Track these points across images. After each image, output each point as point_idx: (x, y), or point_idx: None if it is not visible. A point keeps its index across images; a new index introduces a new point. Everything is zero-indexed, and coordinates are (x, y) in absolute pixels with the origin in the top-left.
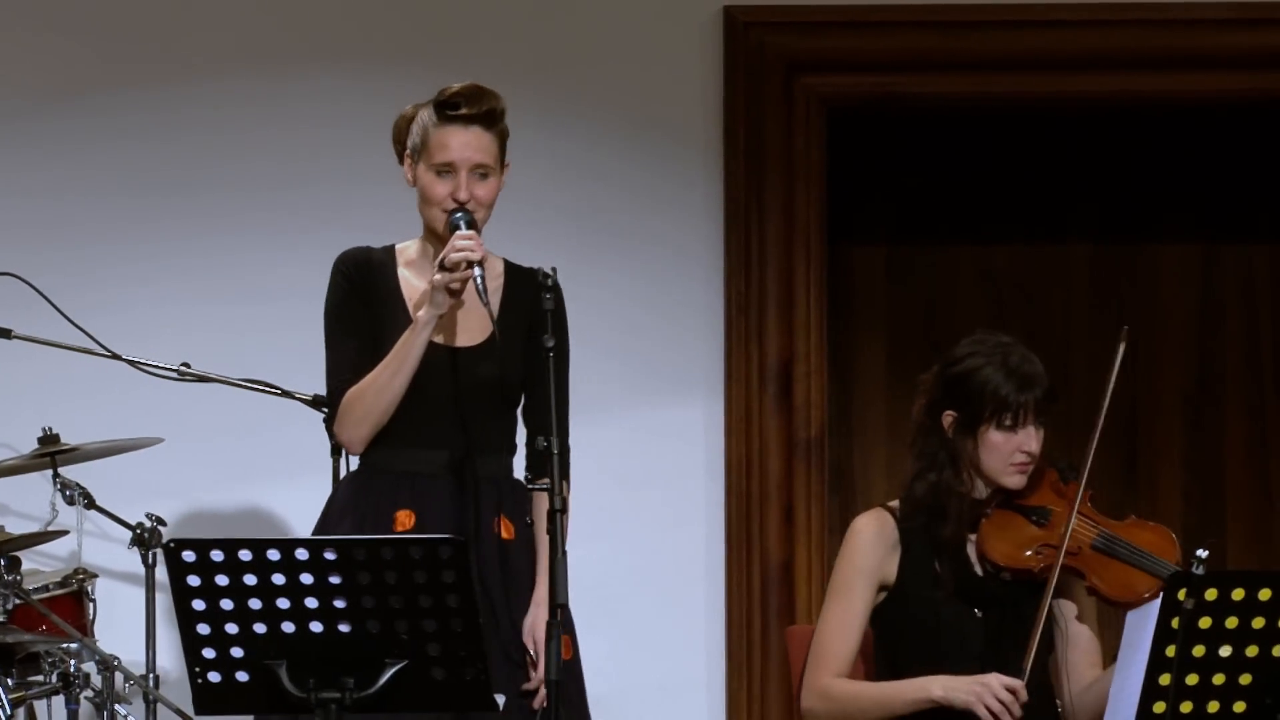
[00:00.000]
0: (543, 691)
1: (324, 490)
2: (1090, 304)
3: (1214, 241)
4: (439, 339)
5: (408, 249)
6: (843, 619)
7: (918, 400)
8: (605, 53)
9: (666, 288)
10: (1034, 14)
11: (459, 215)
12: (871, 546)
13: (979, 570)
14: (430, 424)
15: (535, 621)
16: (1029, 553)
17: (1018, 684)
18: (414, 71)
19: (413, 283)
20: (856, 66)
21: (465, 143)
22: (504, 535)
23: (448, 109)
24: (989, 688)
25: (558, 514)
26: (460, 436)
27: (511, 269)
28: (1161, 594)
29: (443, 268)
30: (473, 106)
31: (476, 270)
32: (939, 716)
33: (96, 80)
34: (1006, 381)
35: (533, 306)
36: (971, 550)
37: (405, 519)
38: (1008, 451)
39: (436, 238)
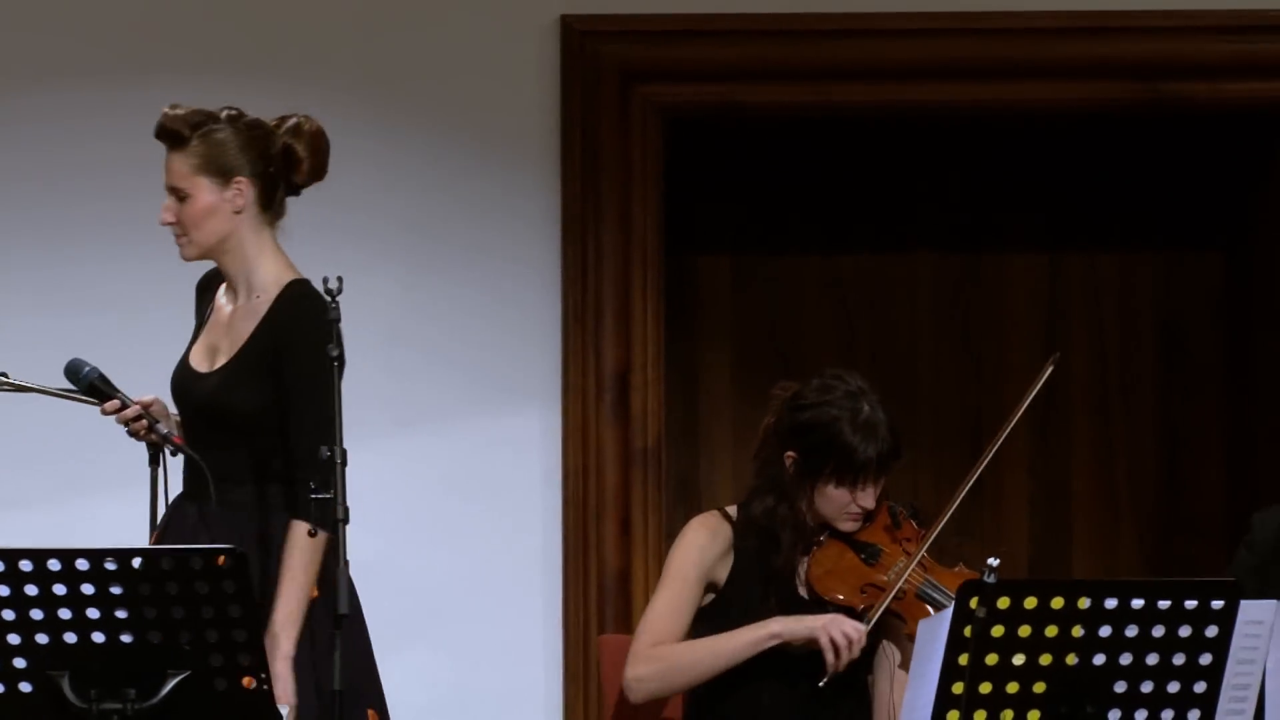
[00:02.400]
0: None
1: (140, 504)
2: (936, 313)
3: (1059, 250)
4: (195, 360)
5: None
6: (672, 603)
7: (767, 416)
8: (442, 63)
9: (503, 297)
10: (872, 23)
11: (86, 371)
12: (709, 544)
13: (804, 595)
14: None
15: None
16: (853, 591)
17: (862, 628)
18: (252, 83)
19: (220, 300)
20: (693, 76)
21: (165, 166)
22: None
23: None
24: (834, 621)
25: (340, 524)
26: (204, 462)
27: (289, 288)
28: (954, 602)
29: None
30: (159, 131)
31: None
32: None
33: None
34: (852, 441)
35: (279, 333)
36: (801, 572)
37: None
38: (843, 505)
39: None
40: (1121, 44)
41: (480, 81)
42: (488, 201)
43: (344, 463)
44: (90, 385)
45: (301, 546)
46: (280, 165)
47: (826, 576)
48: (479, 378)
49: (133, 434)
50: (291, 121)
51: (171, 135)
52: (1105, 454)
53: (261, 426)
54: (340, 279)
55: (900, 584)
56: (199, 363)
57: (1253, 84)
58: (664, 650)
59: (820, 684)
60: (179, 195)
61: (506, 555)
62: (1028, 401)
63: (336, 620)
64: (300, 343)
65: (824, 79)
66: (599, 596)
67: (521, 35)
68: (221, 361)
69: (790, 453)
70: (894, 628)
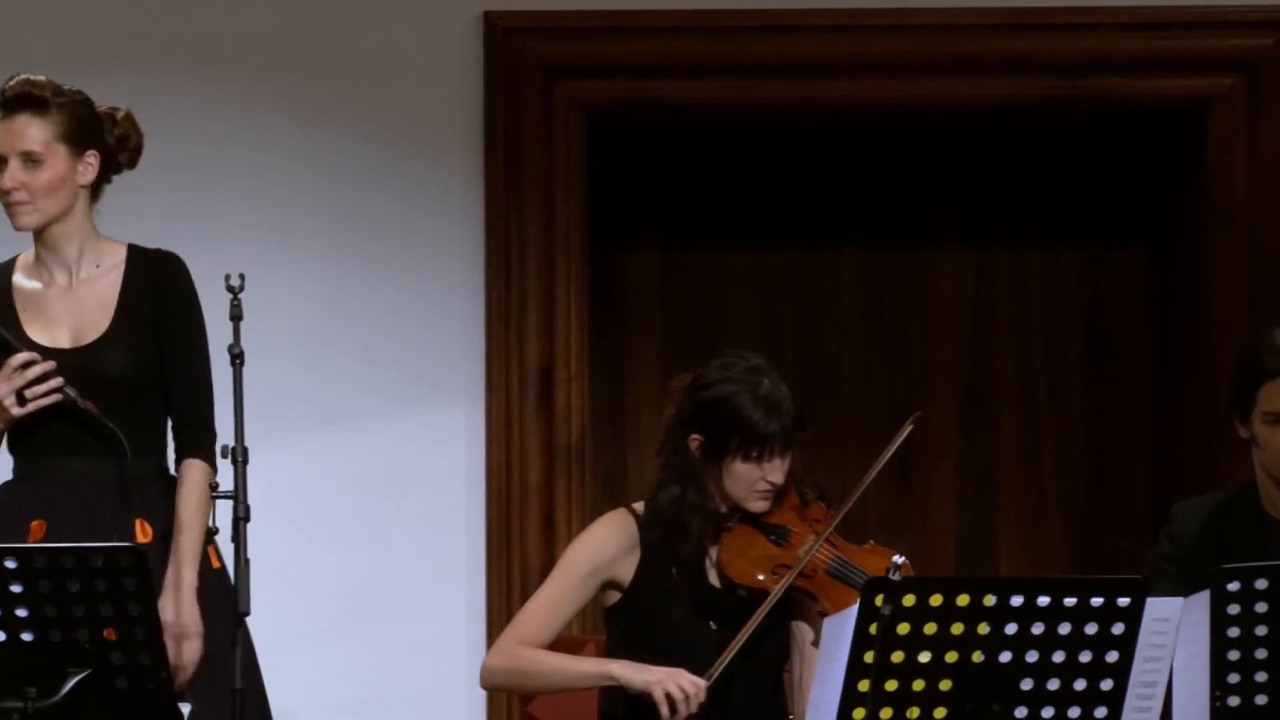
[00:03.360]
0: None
1: None
2: (863, 309)
3: (986, 247)
4: (46, 341)
5: (30, 252)
6: (554, 600)
7: (668, 409)
8: (365, 59)
9: (427, 294)
10: (794, 19)
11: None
12: (607, 542)
13: (716, 583)
14: (66, 428)
15: (165, 607)
16: (765, 573)
17: (701, 682)
18: (175, 80)
19: (24, 285)
20: (616, 72)
21: (13, 132)
22: (140, 538)
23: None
24: (671, 676)
25: (242, 522)
26: (92, 439)
27: (134, 254)
28: (859, 599)
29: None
30: (18, 95)
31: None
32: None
33: None
34: (754, 415)
35: (155, 292)
36: (711, 559)
37: (37, 529)
38: (752, 481)
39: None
40: (1042, 40)
41: (403, 78)
42: (411, 198)
43: (245, 460)
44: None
45: (201, 484)
46: (116, 148)
47: (737, 560)
48: (402, 374)
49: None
50: (122, 110)
51: (35, 101)
52: (1032, 449)
53: (155, 388)
54: (242, 275)
55: (806, 561)
56: (59, 340)
57: (1173, 80)
58: (522, 652)
59: None
60: (31, 160)
61: (430, 552)
62: (884, 461)
63: (237, 619)
64: (182, 300)
65: (747, 75)
66: (522, 593)
67: (444, 31)
68: (96, 335)
69: (695, 436)
70: (805, 606)
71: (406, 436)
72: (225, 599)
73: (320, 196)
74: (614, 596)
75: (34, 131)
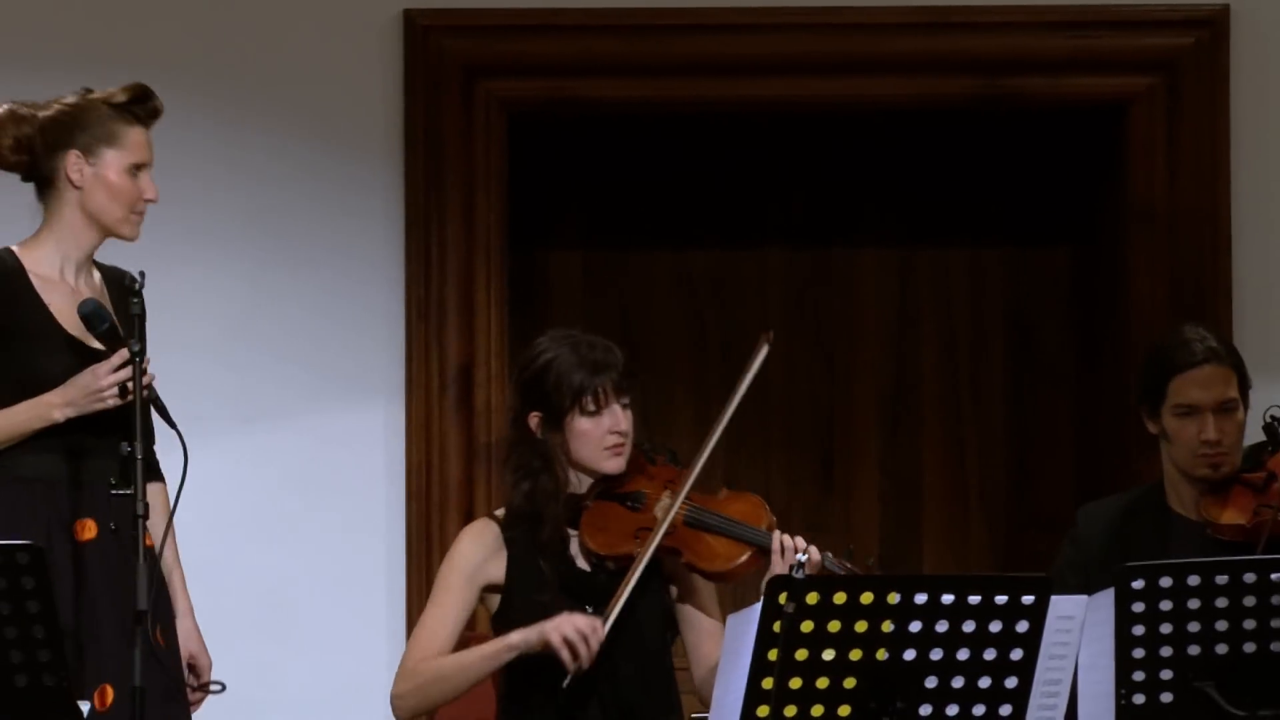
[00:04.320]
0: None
1: None
2: (787, 308)
3: (910, 246)
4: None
5: (35, 255)
6: (438, 616)
7: (505, 417)
8: (285, 57)
9: (347, 293)
10: (715, 18)
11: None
12: (472, 550)
13: (585, 566)
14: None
15: (188, 632)
16: (628, 540)
17: (596, 622)
18: (95, 78)
19: (57, 302)
20: (536, 71)
21: (149, 144)
22: (81, 537)
23: (139, 108)
24: (564, 622)
25: (140, 520)
26: (63, 439)
27: (106, 273)
28: (763, 597)
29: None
30: (155, 107)
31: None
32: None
33: None
34: (580, 367)
35: (118, 311)
36: (575, 546)
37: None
38: (598, 436)
39: (94, 230)
40: (963, 40)
41: (323, 76)
42: (331, 197)
43: (142, 458)
44: (111, 329)
45: (165, 506)
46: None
47: (599, 535)
48: (322, 373)
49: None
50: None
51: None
52: (956, 448)
53: None
54: (143, 273)
55: (669, 520)
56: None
57: (1093, 79)
58: (421, 667)
59: (564, 685)
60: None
61: (350, 550)
62: (750, 376)
63: (138, 616)
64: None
65: (667, 74)
66: None
67: (364, 30)
68: (95, 343)
69: (533, 413)
70: (674, 565)
71: (326, 435)
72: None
73: (240, 195)
74: (495, 600)
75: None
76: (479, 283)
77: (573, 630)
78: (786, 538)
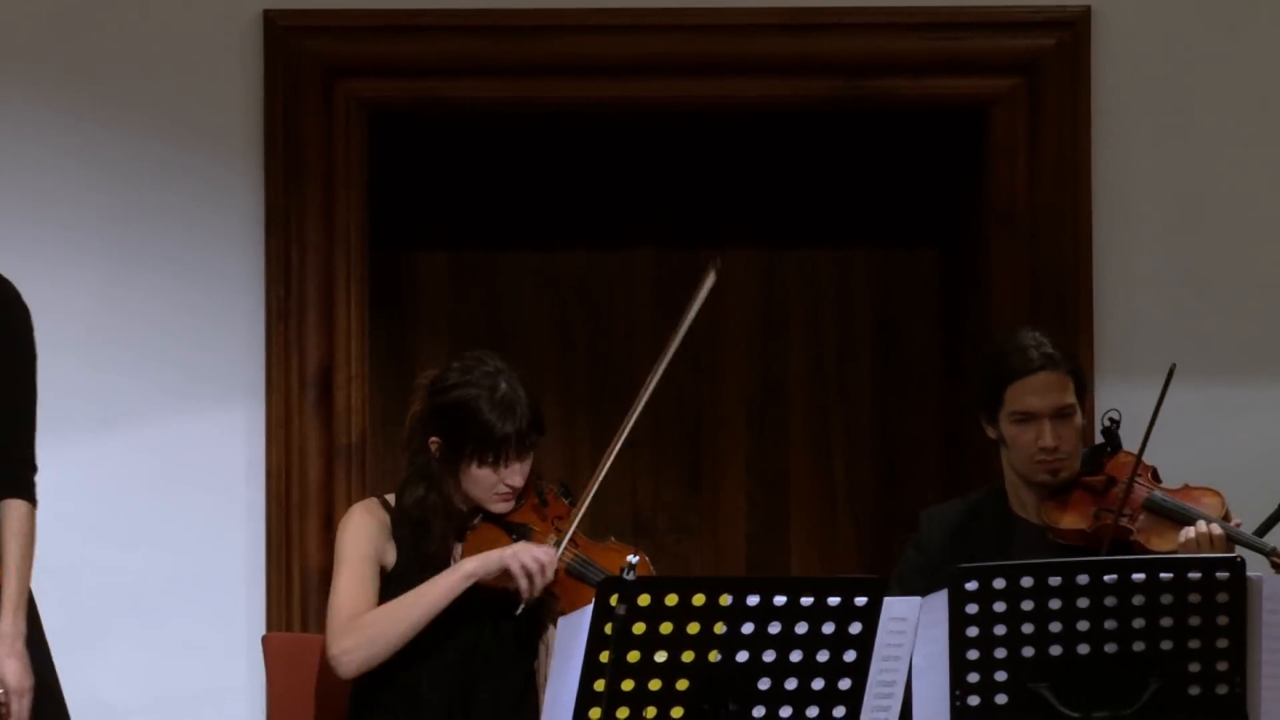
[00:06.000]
0: None
1: None
2: (654, 309)
3: (776, 247)
4: None
5: None
6: (356, 578)
7: (413, 406)
8: (145, 57)
9: (207, 293)
10: (576, 19)
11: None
12: (373, 525)
13: None
14: None
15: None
16: None
17: (551, 550)
18: None
19: None
20: (397, 71)
21: None
22: None
23: None
24: (524, 548)
25: None
26: None
27: None
28: (594, 599)
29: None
30: None
31: None
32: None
33: None
34: (490, 420)
35: None
36: (456, 558)
37: None
38: (490, 484)
39: None
40: (824, 41)
41: (184, 76)
42: (192, 196)
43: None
44: None
45: (22, 524)
46: None
47: None
48: (182, 374)
49: None
50: None
51: None
52: (823, 449)
53: None
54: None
55: (562, 551)
56: None
57: (955, 81)
58: (363, 620)
59: (516, 612)
60: None
61: (210, 552)
62: (693, 312)
63: None
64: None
65: (529, 75)
66: (302, 593)
67: (224, 30)
68: None
69: (434, 438)
70: (549, 605)
71: (186, 436)
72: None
73: (99, 194)
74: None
75: None
76: (339, 284)
77: (531, 559)
78: None
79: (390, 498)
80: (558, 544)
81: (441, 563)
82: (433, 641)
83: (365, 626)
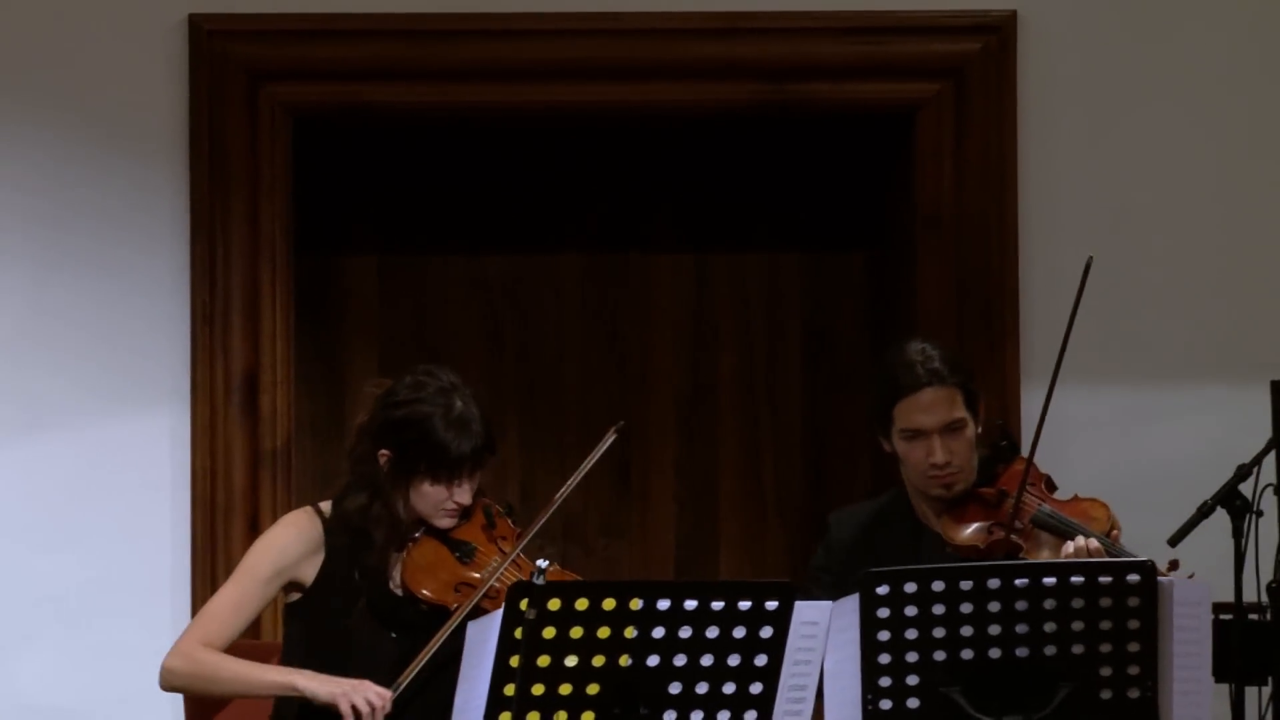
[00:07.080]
0: None
1: None
2: (583, 313)
3: (706, 251)
4: None
5: None
6: (236, 601)
7: (360, 416)
8: (69, 59)
9: (131, 297)
10: (501, 24)
11: None
12: (292, 544)
13: (398, 590)
14: None
15: None
16: (447, 590)
17: (387, 693)
18: None
19: None
20: (321, 75)
21: None
22: None
23: None
24: (357, 688)
25: None
26: None
27: None
28: (504, 603)
29: None
30: None
31: None
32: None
33: None
34: (445, 438)
35: None
36: (395, 569)
37: None
38: (439, 501)
39: None
40: (748, 45)
41: (108, 79)
42: (116, 200)
43: None
44: None
45: None
46: None
47: (420, 573)
48: (106, 378)
49: None
50: None
51: None
52: (752, 453)
53: None
54: None
55: (492, 582)
56: None
57: (878, 84)
58: (204, 655)
59: None
60: None
61: (135, 556)
62: (587, 467)
63: None
64: None
65: (454, 79)
66: None
67: (149, 33)
68: None
69: (384, 451)
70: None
71: (110, 440)
72: None
73: (23, 196)
74: (295, 595)
75: None
76: (264, 288)
77: (363, 701)
78: None
79: (326, 506)
80: (499, 565)
81: (379, 574)
82: (368, 647)
83: (199, 664)
